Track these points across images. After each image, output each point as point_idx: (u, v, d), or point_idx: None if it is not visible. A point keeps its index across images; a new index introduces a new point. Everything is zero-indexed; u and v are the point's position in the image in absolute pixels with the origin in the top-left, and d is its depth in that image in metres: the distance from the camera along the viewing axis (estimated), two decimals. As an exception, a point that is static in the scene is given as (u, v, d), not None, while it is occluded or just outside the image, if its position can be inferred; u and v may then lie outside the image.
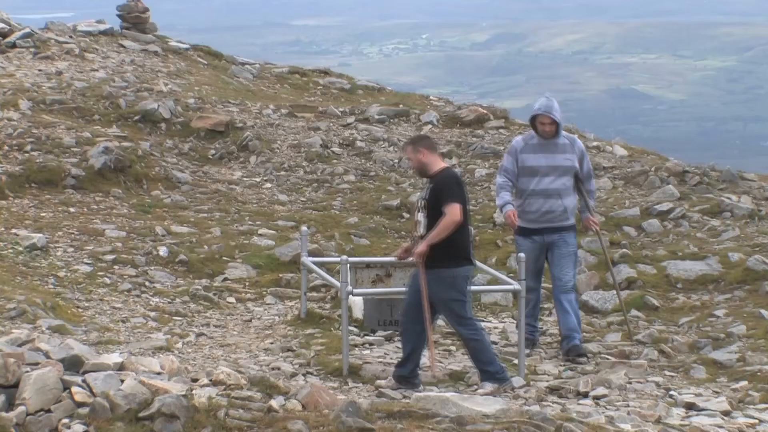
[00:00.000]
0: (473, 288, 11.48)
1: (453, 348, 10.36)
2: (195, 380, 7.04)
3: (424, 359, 9.86)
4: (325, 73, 23.62)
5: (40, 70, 19.67)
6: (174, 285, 12.22)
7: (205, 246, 13.33)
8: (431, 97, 22.28)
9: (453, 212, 8.85)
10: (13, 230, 12.97)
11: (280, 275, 12.60)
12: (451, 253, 8.98)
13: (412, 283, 9.29)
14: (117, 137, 16.35)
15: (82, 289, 11.57)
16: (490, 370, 9.10)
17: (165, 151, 16.69)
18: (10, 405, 6.41)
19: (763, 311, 11.37)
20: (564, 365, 10.10)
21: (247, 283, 12.57)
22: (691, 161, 17.63)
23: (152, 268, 12.52)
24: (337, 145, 17.87)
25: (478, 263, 10.94)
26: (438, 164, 9.21)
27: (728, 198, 15.11)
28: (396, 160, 17.32)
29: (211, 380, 6.97)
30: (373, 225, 14.70)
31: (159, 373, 7.04)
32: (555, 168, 10.13)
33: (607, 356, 10.34)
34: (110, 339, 9.99)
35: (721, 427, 7.99)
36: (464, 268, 9.12)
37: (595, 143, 18.53)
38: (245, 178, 16.42)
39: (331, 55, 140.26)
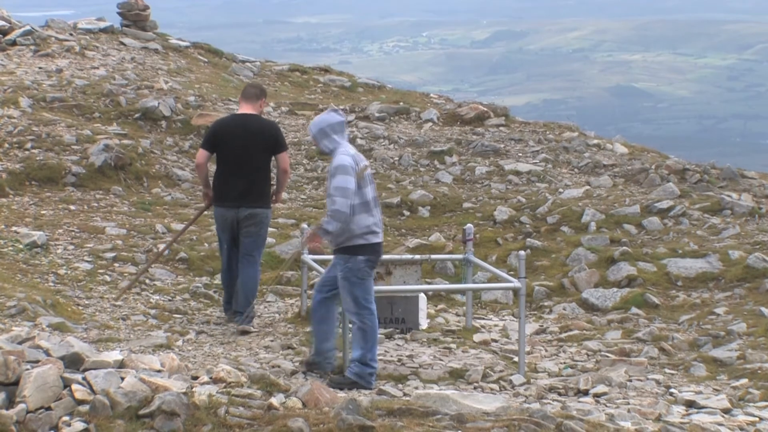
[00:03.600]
0: (474, 286, 11.55)
1: (453, 346, 10.36)
2: (195, 378, 7.04)
3: (425, 357, 9.86)
4: (326, 70, 23.63)
5: (40, 68, 19.67)
6: (174, 282, 12.22)
7: (206, 244, 13.33)
8: (431, 95, 22.30)
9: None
10: (14, 228, 12.96)
11: (281, 273, 12.61)
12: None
13: None
14: (117, 135, 16.36)
15: (82, 286, 11.57)
16: None
17: (165, 149, 16.69)
18: (10, 402, 6.40)
19: (763, 309, 11.37)
20: (564, 363, 10.11)
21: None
22: (692, 159, 17.65)
23: (152, 265, 12.52)
24: (337, 143, 17.86)
25: (477, 260, 10.95)
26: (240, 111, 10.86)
27: (728, 196, 15.11)
28: (396, 158, 17.32)
29: (211, 378, 6.97)
30: (374, 222, 14.68)
31: (159, 371, 7.03)
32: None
33: (607, 354, 10.34)
34: (110, 336, 9.98)
35: (721, 424, 7.99)
36: (215, 208, 10.94)
37: (595, 141, 18.55)
38: (245, 176, 16.40)
39: (332, 52, 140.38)
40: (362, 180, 9.06)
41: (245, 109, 10.69)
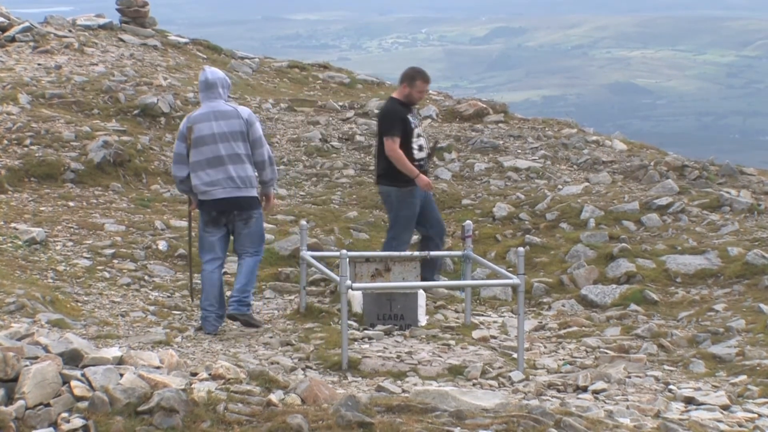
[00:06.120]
0: (473, 282, 11.56)
1: (452, 342, 10.36)
2: (194, 374, 7.03)
3: (423, 354, 9.88)
4: (325, 67, 23.63)
5: (39, 65, 19.66)
6: (173, 279, 12.22)
7: (205, 240, 13.32)
8: (430, 92, 22.26)
9: None
10: (13, 224, 12.96)
11: (279, 269, 12.60)
12: None
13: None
14: (116, 131, 16.35)
15: (81, 283, 11.57)
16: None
17: (164, 146, 16.68)
18: (9, 399, 6.40)
19: (762, 305, 11.37)
20: (563, 360, 10.11)
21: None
22: (691, 155, 17.63)
23: (151, 262, 12.52)
24: (336, 140, 17.87)
25: (476, 257, 10.97)
26: None
27: (727, 192, 15.10)
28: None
29: (210, 374, 6.97)
30: (373, 219, 14.70)
31: (158, 367, 7.03)
32: None
33: (606, 350, 10.34)
34: (109, 333, 9.98)
35: (720, 421, 7.99)
36: None
37: (594, 137, 18.54)
38: (244, 173, 16.38)
39: (331, 49, 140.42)
40: (192, 142, 10.11)
41: (395, 93, 11.81)
